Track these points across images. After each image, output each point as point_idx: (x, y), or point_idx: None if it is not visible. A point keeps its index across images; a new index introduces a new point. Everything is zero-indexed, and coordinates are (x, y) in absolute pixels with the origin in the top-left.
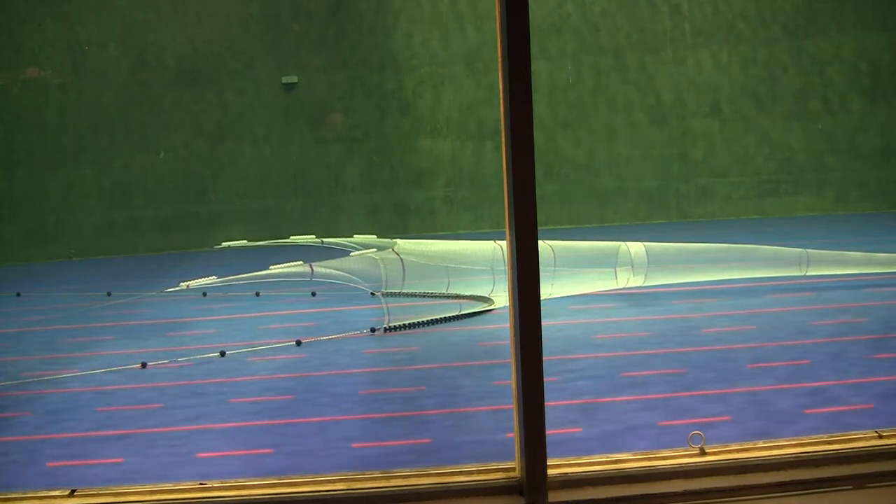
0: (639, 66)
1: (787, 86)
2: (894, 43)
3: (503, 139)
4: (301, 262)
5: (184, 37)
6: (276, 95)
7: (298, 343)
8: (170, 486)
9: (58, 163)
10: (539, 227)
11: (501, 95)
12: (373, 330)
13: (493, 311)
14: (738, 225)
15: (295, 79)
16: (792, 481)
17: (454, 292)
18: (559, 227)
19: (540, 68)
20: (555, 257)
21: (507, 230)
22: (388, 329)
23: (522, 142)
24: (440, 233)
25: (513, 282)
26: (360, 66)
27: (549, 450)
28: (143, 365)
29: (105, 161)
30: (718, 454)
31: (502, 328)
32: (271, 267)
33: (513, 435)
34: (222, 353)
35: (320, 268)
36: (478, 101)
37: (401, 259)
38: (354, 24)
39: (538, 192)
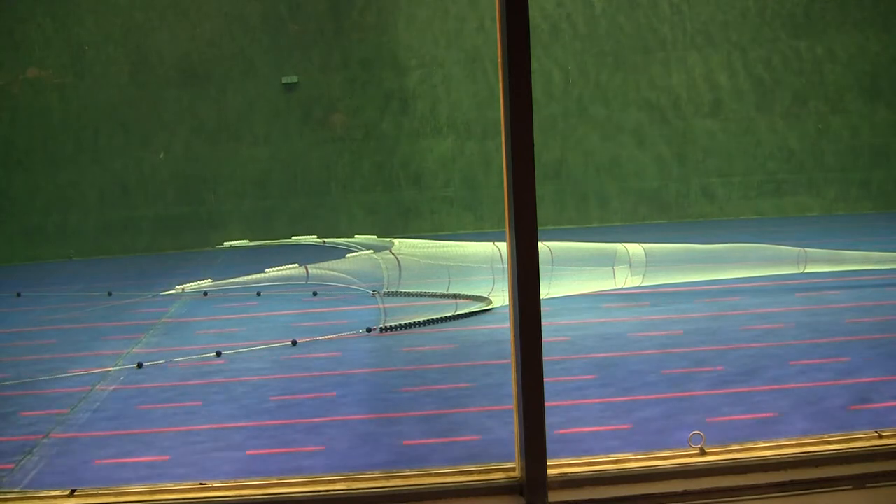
0: (639, 66)
1: (787, 86)
2: (894, 43)
3: (503, 139)
4: (296, 265)
5: (184, 37)
6: (276, 95)
7: (294, 343)
8: (170, 485)
9: (58, 163)
10: (539, 228)
11: (501, 95)
12: (369, 330)
13: (490, 312)
14: (738, 225)
15: (295, 79)
16: (792, 481)
17: (453, 292)
18: (559, 227)
19: (540, 68)
20: (552, 258)
21: (507, 230)
22: (384, 329)
23: (522, 142)
24: (440, 233)
25: (513, 282)
26: (360, 66)
27: (549, 450)
28: (139, 365)
29: (105, 161)
30: (718, 454)
31: (500, 328)
32: (267, 270)
33: (513, 435)
34: (218, 354)
35: (316, 269)
36: (478, 101)
37: (398, 260)
38: (354, 23)
39: (538, 192)
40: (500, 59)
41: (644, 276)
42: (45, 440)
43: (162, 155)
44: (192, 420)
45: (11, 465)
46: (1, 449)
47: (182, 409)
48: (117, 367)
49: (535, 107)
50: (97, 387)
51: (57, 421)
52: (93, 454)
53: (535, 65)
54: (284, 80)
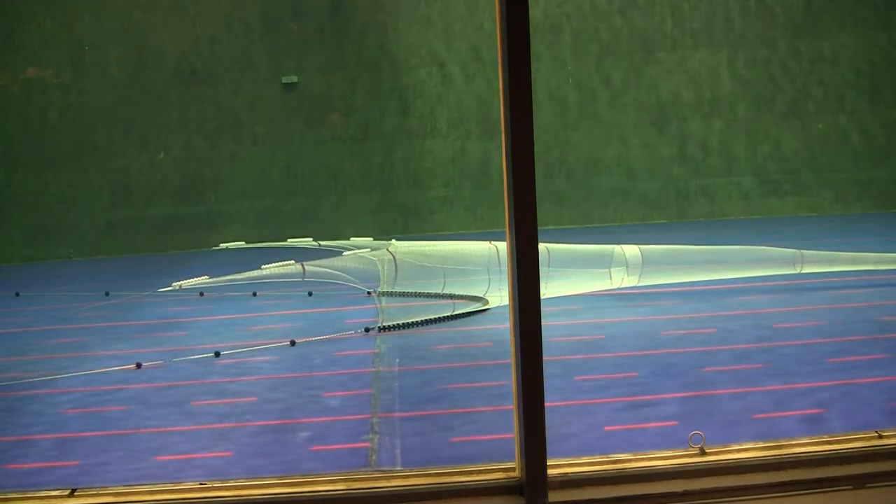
0: (639, 67)
1: (787, 86)
2: (894, 43)
3: (503, 139)
4: (293, 262)
5: (184, 37)
6: (276, 95)
7: (293, 343)
8: (170, 485)
9: (58, 163)
10: (539, 228)
11: (501, 95)
12: (367, 330)
13: (487, 311)
14: (738, 225)
15: (295, 79)
16: (792, 481)
17: (449, 292)
18: (559, 227)
19: (540, 68)
20: (549, 258)
21: (507, 230)
22: (382, 329)
23: (522, 142)
24: (440, 233)
25: (513, 283)
26: (360, 66)
27: (548, 450)
28: (138, 365)
29: (105, 161)
30: (718, 454)
31: (498, 328)
32: (263, 266)
33: (512, 435)
34: (217, 354)
35: (312, 267)
36: (478, 101)
37: (395, 259)
38: (354, 24)
39: (538, 192)
40: (500, 59)
41: (640, 277)
42: (374, 420)
43: (162, 155)
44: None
45: (366, 444)
46: (336, 427)
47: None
48: (114, 368)
49: (534, 106)
50: (380, 368)
51: (364, 400)
52: (434, 434)
53: (534, 64)
54: (284, 80)
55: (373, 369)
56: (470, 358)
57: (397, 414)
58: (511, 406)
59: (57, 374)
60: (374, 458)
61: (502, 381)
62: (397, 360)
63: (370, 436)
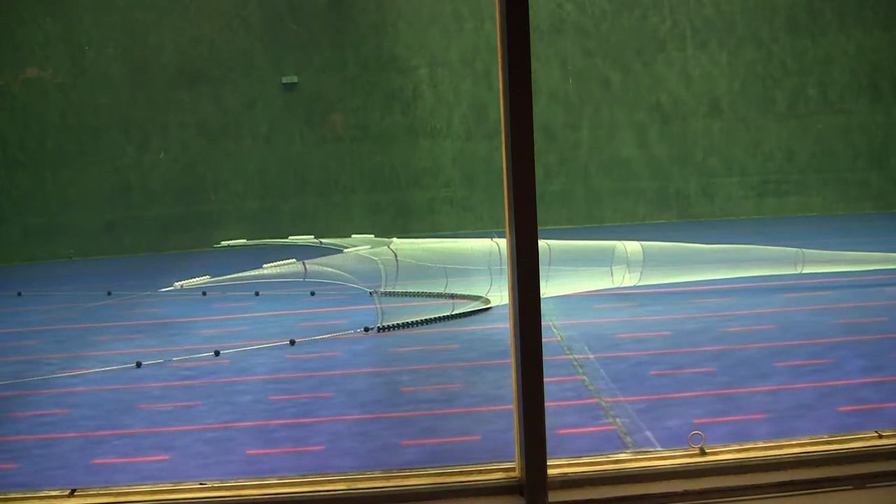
0: (639, 66)
1: (787, 86)
2: (894, 43)
3: (503, 139)
4: (294, 260)
5: (184, 37)
6: (276, 95)
7: (293, 342)
8: (170, 485)
9: (58, 163)
10: (539, 227)
11: (501, 96)
12: (366, 329)
13: (488, 311)
14: (738, 225)
15: (295, 79)
16: (792, 481)
17: (450, 291)
18: (559, 227)
19: (540, 68)
20: (550, 255)
21: (507, 230)
22: (382, 329)
23: (522, 142)
24: (440, 233)
25: (513, 283)
26: (360, 66)
27: (549, 449)
28: (138, 364)
29: (105, 161)
30: (718, 454)
31: (499, 328)
32: (264, 265)
33: (513, 435)
34: (216, 353)
35: (314, 266)
36: (478, 101)
37: (396, 257)
38: (354, 23)
39: (538, 192)
40: (500, 59)
41: (641, 275)
42: (603, 403)
43: (162, 155)
44: None
45: (612, 427)
46: (568, 412)
47: None
48: (114, 367)
49: (534, 106)
50: (574, 355)
51: (577, 386)
52: (672, 416)
53: (534, 64)
54: (284, 80)
55: (567, 356)
56: (663, 345)
57: (620, 398)
58: (510, 406)
59: (58, 374)
60: (628, 439)
61: (709, 366)
62: (586, 348)
63: (610, 419)
